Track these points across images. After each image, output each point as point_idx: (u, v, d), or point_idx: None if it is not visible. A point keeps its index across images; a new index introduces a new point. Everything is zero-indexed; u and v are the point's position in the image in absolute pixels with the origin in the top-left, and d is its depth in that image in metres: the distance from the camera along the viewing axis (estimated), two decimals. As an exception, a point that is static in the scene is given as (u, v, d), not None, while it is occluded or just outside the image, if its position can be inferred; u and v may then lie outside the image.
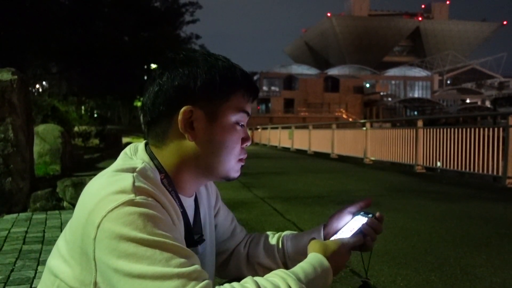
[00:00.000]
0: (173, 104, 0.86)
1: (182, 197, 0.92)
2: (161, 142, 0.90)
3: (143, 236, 0.71)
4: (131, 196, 0.75)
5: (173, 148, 0.89)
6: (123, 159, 0.90)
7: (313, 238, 0.96)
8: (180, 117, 0.86)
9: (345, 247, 0.90)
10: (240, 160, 0.95)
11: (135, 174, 0.81)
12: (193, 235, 0.94)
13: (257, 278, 0.76)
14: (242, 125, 0.93)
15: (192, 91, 0.86)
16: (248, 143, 0.95)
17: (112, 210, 0.73)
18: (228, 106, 0.89)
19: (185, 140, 0.88)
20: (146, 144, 0.93)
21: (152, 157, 0.90)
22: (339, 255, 0.87)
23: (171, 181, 0.89)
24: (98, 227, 0.73)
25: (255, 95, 0.94)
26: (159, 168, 0.89)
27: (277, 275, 0.77)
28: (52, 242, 3.11)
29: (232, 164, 0.93)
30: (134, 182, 0.78)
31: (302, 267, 0.81)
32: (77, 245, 0.78)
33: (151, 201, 0.77)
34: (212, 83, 0.86)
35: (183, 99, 0.86)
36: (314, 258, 0.84)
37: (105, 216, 0.73)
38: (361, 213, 1.03)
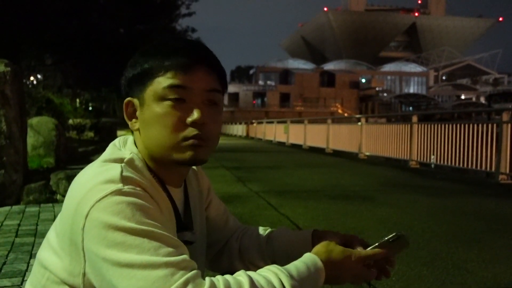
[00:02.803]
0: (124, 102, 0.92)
1: (169, 188, 0.93)
2: (133, 136, 0.94)
3: (132, 225, 0.72)
4: (119, 185, 0.76)
5: (137, 140, 0.92)
6: (111, 149, 0.91)
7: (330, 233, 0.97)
8: (124, 109, 0.91)
9: (352, 259, 0.84)
10: (189, 139, 0.85)
11: (123, 164, 0.82)
12: (182, 222, 0.94)
13: (250, 272, 0.76)
14: (184, 102, 0.85)
15: (126, 85, 0.91)
16: (193, 119, 0.85)
17: (100, 199, 0.73)
18: (151, 87, 0.86)
19: (136, 131, 0.91)
20: None
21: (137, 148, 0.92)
22: (341, 264, 0.84)
23: (151, 169, 0.90)
24: (86, 217, 0.73)
25: (187, 66, 0.85)
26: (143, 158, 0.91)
27: (270, 271, 0.77)
28: (45, 235, 3.09)
29: (171, 145, 0.85)
30: (122, 172, 0.79)
31: (296, 265, 0.80)
32: (67, 236, 0.78)
33: (139, 191, 0.78)
34: (134, 71, 0.89)
35: (126, 94, 0.91)
36: (308, 257, 0.83)
37: (93, 205, 0.73)
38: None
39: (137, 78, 0.88)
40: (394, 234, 0.89)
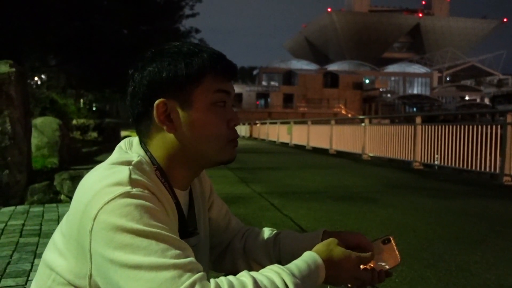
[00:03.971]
0: (147, 101, 0.88)
1: (176, 191, 0.93)
2: (147, 138, 0.91)
3: (139, 227, 0.72)
4: (128, 188, 0.76)
5: (159, 142, 0.90)
6: (118, 152, 0.91)
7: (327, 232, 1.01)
8: (154, 111, 0.87)
9: (352, 260, 0.87)
10: (231, 141, 0.92)
11: (131, 167, 0.82)
12: (187, 226, 0.94)
13: (253, 273, 0.76)
14: (224, 106, 0.91)
15: (159, 85, 0.87)
16: (235, 123, 0.93)
17: (108, 202, 0.74)
18: (201, 90, 0.87)
19: (167, 133, 0.88)
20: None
21: (146, 150, 0.91)
22: (341, 264, 0.85)
23: (164, 173, 0.90)
24: (94, 219, 0.73)
25: (230, 74, 0.92)
26: (153, 160, 0.89)
27: (272, 270, 0.78)
28: (49, 235, 3.11)
29: (220, 146, 0.91)
30: (130, 175, 0.79)
31: (296, 264, 0.81)
32: (73, 238, 0.78)
33: (147, 194, 0.78)
34: (176, 72, 0.86)
35: (154, 94, 0.87)
36: (308, 255, 0.84)
37: (101, 208, 0.73)
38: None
39: (181, 79, 0.87)
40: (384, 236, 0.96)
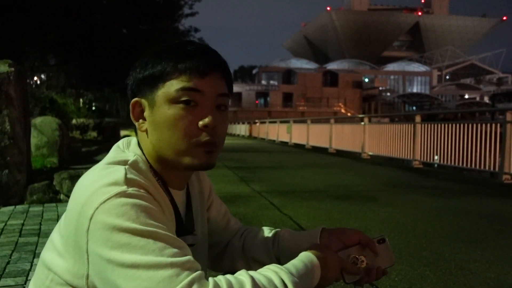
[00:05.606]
0: (130, 103, 0.92)
1: (172, 190, 0.93)
2: (138, 137, 0.94)
3: (136, 226, 0.72)
4: (124, 187, 0.76)
5: (144, 141, 0.91)
6: (115, 151, 0.91)
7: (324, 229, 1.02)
8: (130, 110, 0.90)
9: (337, 262, 0.89)
10: (202, 144, 0.86)
11: (127, 166, 0.82)
12: (184, 226, 0.94)
13: (251, 272, 0.76)
14: (196, 106, 0.85)
15: (135, 85, 0.90)
16: (207, 124, 0.85)
17: (104, 201, 0.74)
18: (164, 89, 0.86)
19: (143, 132, 0.90)
20: None
21: (142, 149, 0.91)
22: (333, 262, 0.87)
23: (156, 172, 0.90)
24: (91, 219, 0.73)
25: (203, 70, 0.86)
26: (147, 159, 0.90)
27: (270, 269, 0.78)
28: (49, 234, 3.11)
29: (184, 147, 0.85)
30: (126, 174, 0.79)
31: (293, 264, 0.82)
32: (71, 238, 0.78)
33: (143, 193, 0.78)
34: (145, 72, 0.88)
35: (133, 95, 0.91)
36: (304, 255, 0.85)
37: (97, 208, 0.73)
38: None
39: (149, 79, 0.87)
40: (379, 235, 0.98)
